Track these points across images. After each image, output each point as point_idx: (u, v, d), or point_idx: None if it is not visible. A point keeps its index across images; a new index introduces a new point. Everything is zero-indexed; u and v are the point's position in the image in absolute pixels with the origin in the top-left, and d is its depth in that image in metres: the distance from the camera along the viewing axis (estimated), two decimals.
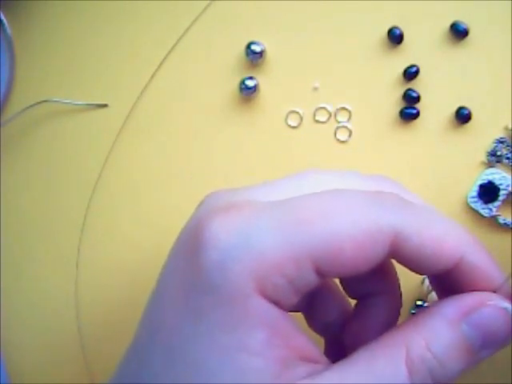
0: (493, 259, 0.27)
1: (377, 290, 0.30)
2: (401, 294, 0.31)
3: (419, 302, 0.38)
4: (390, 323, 0.30)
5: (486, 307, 0.26)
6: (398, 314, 0.30)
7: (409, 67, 0.38)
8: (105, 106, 0.40)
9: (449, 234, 0.26)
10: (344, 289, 0.31)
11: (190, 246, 0.26)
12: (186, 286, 0.26)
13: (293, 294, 0.25)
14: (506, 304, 0.26)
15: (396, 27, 0.38)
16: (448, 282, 0.27)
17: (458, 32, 0.38)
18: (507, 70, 0.38)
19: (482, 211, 0.38)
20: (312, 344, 0.26)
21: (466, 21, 0.38)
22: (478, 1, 0.38)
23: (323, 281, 0.26)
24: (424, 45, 0.38)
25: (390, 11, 0.38)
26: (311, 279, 0.25)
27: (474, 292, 0.27)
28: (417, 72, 0.38)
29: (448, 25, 0.38)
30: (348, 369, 0.25)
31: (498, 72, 0.38)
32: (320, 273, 0.25)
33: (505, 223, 0.37)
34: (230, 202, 0.27)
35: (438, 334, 0.25)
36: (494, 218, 0.38)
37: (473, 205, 0.38)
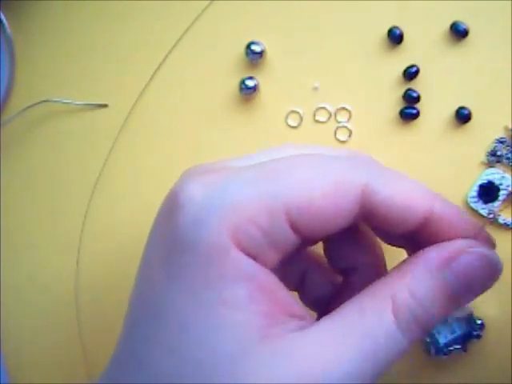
0: (464, 212, 0.28)
1: (361, 263, 0.31)
2: (385, 267, 0.31)
3: None
4: None
5: (468, 254, 0.27)
6: None
7: (409, 67, 0.38)
8: (105, 106, 0.40)
9: (418, 189, 0.27)
10: (330, 263, 0.32)
11: (168, 211, 0.27)
12: (166, 250, 0.26)
13: (270, 249, 0.25)
14: (487, 250, 0.27)
15: (396, 27, 0.38)
16: (422, 241, 0.28)
17: (458, 32, 0.38)
18: (507, 70, 0.38)
19: (481, 211, 0.38)
20: (297, 302, 0.27)
21: (466, 21, 0.38)
22: (478, 1, 0.38)
23: (305, 247, 0.27)
24: (424, 45, 0.38)
25: (390, 11, 0.38)
26: (287, 234, 0.26)
27: (455, 240, 0.27)
28: (417, 72, 0.38)
29: (448, 25, 0.38)
30: (337, 322, 0.25)
31: (498, 72, 0.38)
32: (295, 228, 0.25)
33: (505, 223, 0.37)
34: (207, 169, 0.28)
35: (421, 281, 0.26)
36: (494, 218, 0.38)
37: (473, 205, 0.38)
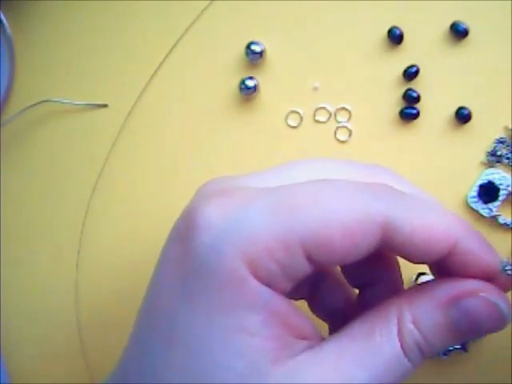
0: (490, 247, 0.28)
1: (377, 279, 0.31)
2: (402, 283, 0.31)
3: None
4: None
5: (477, 298, 0.26)
6: None
7: (409, 67, 0.38)
8: (105, 106, 0.40)
9: (441, 221, 0.26)
10: (346, 277, 0.32)
11: (184, 232, 0.26)
12: (181, 272, 0.26)
13: (285, 279, 0.26)
14: (498, 300, 0.26)
15: (396, 27, 0.38)
16: (446, 268, 0.27)
17: (458, 32, 0.38)
18: (507, 71, 0.38)
19: (481, 211, 0.38)
20: (308, 322, 0.27)
21: (466, 21, 0.38)
22: (478, 1, 0.38)
23: (321, 269, 0.27)
24: (424, 45, 0.38)
25: (390, 11, 0.38)
26: (303, 266, 0.25)
27: (469, 279, 0.27)
28: (417, 72, 0.38)
29: (448, 25, 0.38)
30: (347, 341, 0.26)
31: (497, 72, 0.38)
32: (312, 260, 0.25)
33: (505, 223, 0.38)
34: (223, 189, 0.27)
35: (426, 313, 0.26)
36: (493, 218, 0.38)
37: (473, 205, 0.38)
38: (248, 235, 0.25)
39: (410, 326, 0.26)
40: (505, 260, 0.27)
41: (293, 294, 0.27)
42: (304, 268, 0.26)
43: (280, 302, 0.26)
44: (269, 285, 0.25)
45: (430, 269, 0.30)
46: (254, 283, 0.25)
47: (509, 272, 0.27)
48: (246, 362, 0.25)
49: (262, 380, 0.25)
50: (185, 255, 0.26)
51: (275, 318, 0.25)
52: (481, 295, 0.26)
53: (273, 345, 0.25)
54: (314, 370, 0.25)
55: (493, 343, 0.38)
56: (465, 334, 0.27)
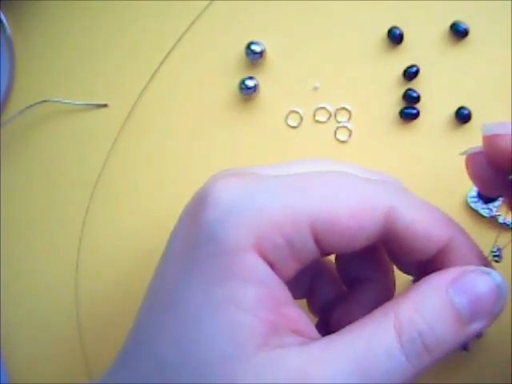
0: (479, 249, 0.28)
1: (370, 277, 0.31)
2: (394, 284, 0.31)
3: None
4: None
5: (470, 273, 0.26)
6: None
7: (409, 67, 0.38)
8: (105, 106, 0.40)
9: (439, 216, 0.28)
10: (339, 271, 0.32)
11: (195, 208, 0.27)
12: (187, 244, 0.26)
13: (290, 257, 0.26)
14: (490, 270, 0.27)
15: (396, 27, 0.38)
16: (434, 270, 0.27)
17: (458, 32, 0.38)
18: (507, 70, 0.38)
19: (481, 211, 0.38)
20: (306, 319, 0.27)
21: (466, 21, 0.38)
22: (478, 1, 0.38)
23: (321, 257, 0.27)
24: (424, 45, 0.38)
25: (390, 11, 0.38)
26: (310, 247, 0.26)
27: (460, 266, 0.27)
28: (417, 72, 0.38)
29: (448, 25, 0.38)
30: (338, 337, 0.25)
31: (497, 72, 0.38)
32: (318, 242, 0.26)
33: (505, 223, 0.38)
34: (235, 173, 0.28)
35: (425, 298, 0.26)
36: (493, 218, 0.38)
37: (473, 205, 0.38)
38: (255, 209, 0.25)
39: (409, 310, 0.25)
40: (495, 247, 0.28)
41: (294, 290, 0.27)
42: (310, 249, 0.26)
43: (279, 288, 0.26)
44: (272, 264, 0.25)
45: (416, 278, 0.30)
46: (255, 257, 0.25)
47: (496, 258, 0.28)
48: (231, 341, 0.24)
49: (243, 363, 0.24)
50: (193, 228, 0.26)
51: (270, 301, 0.25)
52: (472, 269, 0.26)
53: (263, 329, 0.25)
54: (298, 361, 0.24)
55: (493, 343, 0.38)
56: (469, 320, 0.26)
